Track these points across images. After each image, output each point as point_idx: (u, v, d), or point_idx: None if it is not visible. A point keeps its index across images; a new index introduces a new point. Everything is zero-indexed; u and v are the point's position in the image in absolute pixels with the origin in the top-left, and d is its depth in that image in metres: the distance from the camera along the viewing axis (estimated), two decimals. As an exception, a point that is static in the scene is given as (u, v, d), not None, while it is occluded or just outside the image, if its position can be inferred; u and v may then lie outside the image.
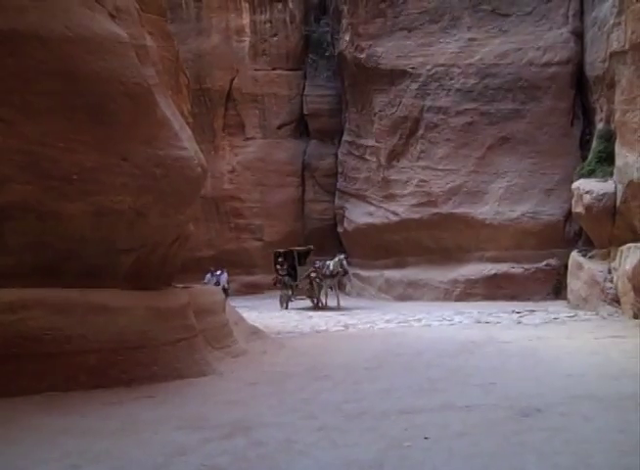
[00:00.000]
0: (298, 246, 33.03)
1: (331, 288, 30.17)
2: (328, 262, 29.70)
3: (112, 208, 11.99)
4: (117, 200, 12.03)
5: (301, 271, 31.09)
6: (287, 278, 31.52)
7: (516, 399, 10.02)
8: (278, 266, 32.03)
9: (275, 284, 32.47)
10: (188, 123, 16.01)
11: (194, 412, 10.02)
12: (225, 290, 32.98)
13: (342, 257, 29.78)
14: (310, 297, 30.99)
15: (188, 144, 13.57)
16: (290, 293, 31.51)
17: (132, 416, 9.79)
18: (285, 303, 31.30)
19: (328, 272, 29.39)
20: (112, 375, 11.56)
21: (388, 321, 22.86)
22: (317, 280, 30.12)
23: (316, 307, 30.11)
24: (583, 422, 8.70)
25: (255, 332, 17.50)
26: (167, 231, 13.63)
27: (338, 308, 28.66)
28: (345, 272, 29.78)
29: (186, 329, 13.14)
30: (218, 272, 33.29)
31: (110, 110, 11.93)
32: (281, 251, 32.71)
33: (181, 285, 15.23)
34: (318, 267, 29.93)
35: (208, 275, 31.62)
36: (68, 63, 11.46)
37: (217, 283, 32.72)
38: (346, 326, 21.90)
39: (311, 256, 32.45)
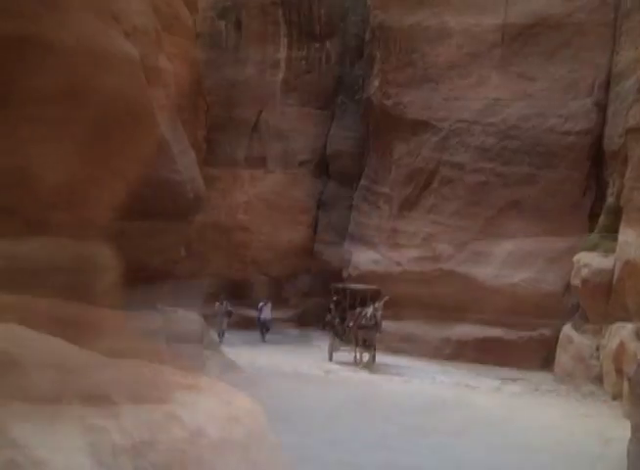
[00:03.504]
0: None
1: (365, 342, 24.52)
2: (367, 310, 24.59)
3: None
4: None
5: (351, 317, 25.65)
6: (337, 322, 26.33)
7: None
8: (331, 306, 27.31)
9: (323, 327, 28.11)
10: (200, 149, 16.11)
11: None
12: (265, 323, 31.25)
13: (378, 305, 24.34)
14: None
15: (184, 169, 13.64)
16: (337, 341, 25.99)
17: None
18: (330, 352, 25.86)
19: (363, 322, 24.32)
20: None
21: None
22: (354, 330, 24.99)
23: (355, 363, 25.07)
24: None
25: (231, 366, 17.37)
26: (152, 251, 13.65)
27: (363, 366, 24.16)
28: (376, 325, 23.93)
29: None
30: (261, 304, 32.03)
31: (107, 126, 12.03)
32: (338, 286, 28.48)
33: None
34: (358, 314, 25.01)
35: (218, 303, 29.92)
36: (74, 74, 11.60)
37: (258, 318, 31.38)
38: (328, 372, 21.55)
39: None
